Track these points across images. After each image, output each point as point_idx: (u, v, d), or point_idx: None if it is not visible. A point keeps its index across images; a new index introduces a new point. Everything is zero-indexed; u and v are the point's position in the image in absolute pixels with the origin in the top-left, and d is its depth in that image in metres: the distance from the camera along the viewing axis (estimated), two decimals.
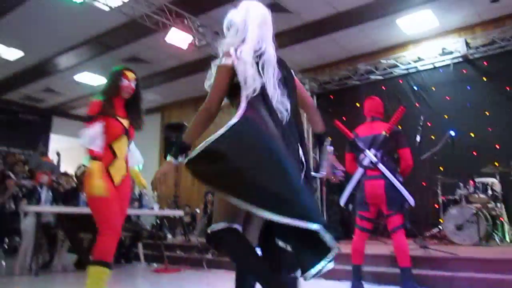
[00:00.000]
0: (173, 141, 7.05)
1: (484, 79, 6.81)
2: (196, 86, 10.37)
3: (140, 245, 5.99)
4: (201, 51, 7.37)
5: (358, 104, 6.72)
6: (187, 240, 6.83)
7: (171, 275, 4.94)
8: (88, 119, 2.63)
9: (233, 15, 2.14)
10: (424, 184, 6.15)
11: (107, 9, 6.05)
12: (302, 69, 8.93)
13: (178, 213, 6.85)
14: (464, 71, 7.05)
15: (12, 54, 8.42)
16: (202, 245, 6.05)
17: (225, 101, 2.12)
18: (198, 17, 6.66)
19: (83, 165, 6.56)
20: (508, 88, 6.51)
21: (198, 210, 9.50)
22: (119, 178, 2.68)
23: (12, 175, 6.11)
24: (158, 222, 6.27)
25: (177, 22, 6.36)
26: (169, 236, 7.95)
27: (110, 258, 2.47)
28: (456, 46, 6.97)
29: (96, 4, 5.85)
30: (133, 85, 2.75)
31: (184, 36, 6.45)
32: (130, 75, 2.79)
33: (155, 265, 5.71)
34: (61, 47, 8.12)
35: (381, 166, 3.58)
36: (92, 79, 9.69)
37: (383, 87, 7.79)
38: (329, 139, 2.33)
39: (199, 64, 8.65)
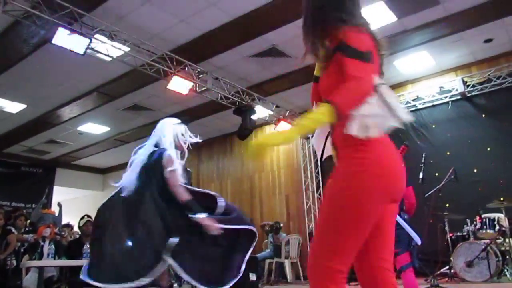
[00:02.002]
0: None
1: (483, 115, 6.91)
2: (198, 131, 10.44)
3: None
4: (202, 97, 7.51)
5: None
6: None
7: None
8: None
9: None
10: (431, 222, 6.07)
11: (108, 59, 6.23)
12: (302, 111, 9.04)
13: None
14: (463, 109, 7.15)
15: (15, 107, 8.55)
16: None
17: None
18: (198, 64, 6.84)
19: (86, 216, 6.53)
20: (505, 124, 6.57)
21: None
22: None
23: (14, 230, 6.06)
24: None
25: (178, 69, 6.53)
26: (176, 285, 7.75)
27: None
28: (453, 84, 7.12)
29: (98, 55, 6.03)
30: None
31: (185, 83, 6.60)
32: None
33: None
34: (63, 98, 8.28)
35: None
36: (96, 128, 9.82)
37: None
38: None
39: (200, 109, 8.82)
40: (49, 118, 9.21)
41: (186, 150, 3.21)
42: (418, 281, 3.79)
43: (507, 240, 5.37)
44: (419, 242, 3.45)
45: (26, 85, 7.60)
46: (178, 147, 3.17)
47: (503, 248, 5.35)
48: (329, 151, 1.74)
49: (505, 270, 5.25)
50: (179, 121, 3.31)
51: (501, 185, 6.31)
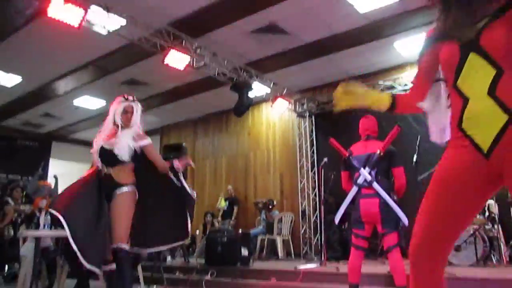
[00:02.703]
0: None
1: None
2: (195, 108, 10.51)
3: (139, 268, 5.94)
4: (199, 72, 7.47)
5: (355, 125, 6.79)
6: (186, 262, 6.78)
7: None
8: None
9: None
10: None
11: (105, 33, 6.15)
12: (300, 90, 9.04)
13: None
14: None
15: (10, 80, 8.47)
16: (201, 267, 6.02)
17: None
18: (195, 39, 6.78)
19: None
20: None
21: (197, 232, 9.46)
22: None
23: (10, 201, 6.11)
24: None
25: (175, 44, 6.47)
26: (169, 258, 7.90)
27: None
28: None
29: (94, 28, 5.96)
30: None
31: (182, 57, 6.55)
32: None
33: (154, 287, 5.66)
34: (59, 71, 8.22)
35: (375, 185, 3.61)
36: (91, 103, 9.78)
37: None
38: None
39: (197, 85, 8.78)
40: (45, 92, 9.15)
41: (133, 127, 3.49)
42: (406, 261, 3.87)
43: (495, 226, 5.47)
44: (406, 222, 3.55)
45: (21, 57, 7.51)
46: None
47: (491, 234, 5.45)
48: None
49: (492, 256, 5.37)
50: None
51: None
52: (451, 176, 1.47)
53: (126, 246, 3.18)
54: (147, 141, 3.46)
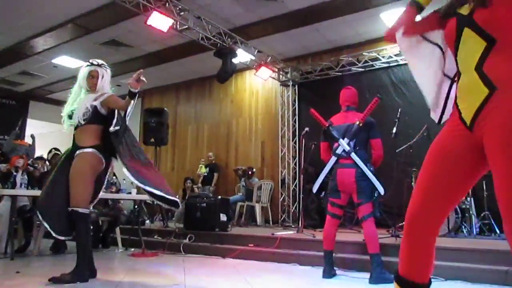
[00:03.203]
0: (153, 126, 7.02)
1: None
2: (178, 72, 10.35)
3: (117, 230, 5.98)
4: (182, 36, 7.31)
5: (337, 95, 6.82)
6: (165, 226, 6.85)
7: (148, 259, 4.96)
8: None
9: None
10: (398, 177, 6.29)
11: None
12: (284, 58, 8.97)
13: None
14: None
15: None
16: (179, 231, 6.09)
17: None
18: (180, 1, 6.59)
19: (54, 149, 6.52)
20: None
21: (177, 197, 9.50)
22: None
23: None
24: (137, 207, 6.26)
25: (158, 5, 6.28)
26: (147, 221, 7.96)
27: None
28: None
29: None
30: None
31: (165, 20, 6.38)
32: None
33: (132, 249, 5.72)
34: (38, 28, 7.94)
35: (353, 155, 3.68)
36: (71, 62, 9.51)
37: (364, 79, 7.90)
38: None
39: (180, 49, 8.61)
40: (22, 49, 8.87)
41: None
42: (380, 231, 4.00)
43: (468, 198, 5.65)
44: (382, 192, 3.64)
45: None
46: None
47: (463, 206, 5.63)
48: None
49: (463, 227, 5.57)
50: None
51: None
52: (444, 149, 1.53)
53: (81, 209, 3.16)
54: (106, 94, 3.40)
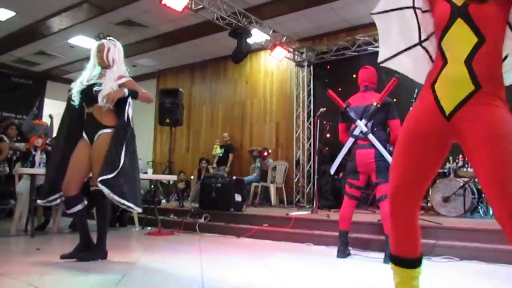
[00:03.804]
0: (168, 107, 7.05)
1: None
2: (192, 52, 10.32)
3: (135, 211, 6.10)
4: (197, 16, 7.26)
5: (355, 75, 6.73)
6: (180, 205, 6.94)
7: (164, 238, 5.05)
8: None
9: None
10: None
11: None
12: (299, 38, 8.86)
13: (172, 178, 6.92)
14: None
15: (3, 13, 8.21)
16: (195, 210, 6.16)
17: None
18: None
19: None
20: None
21: (192, 177, 9.61)
22: None
23: (6, 139, 6.11)
24: (153, 187, 6.35)
25: None
26: (163, 201, 8.07)
27: None
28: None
29: None
30: None
31: None
32: None
33: (149, 228, 5.82)
34: (54, 8, 7.97)
35: (371, 136, 3.64)
36: (87, 42, 9.54)
37: None
38: None
39: (195, 29, 8.57)
40: (39, 28, 8.92)
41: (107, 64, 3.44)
42: None
43: None
44: None
45: None
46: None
47: (480, 187, 5.57)
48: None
49: (479, 207, 5.52)
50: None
51: None
52: (416, 132, 1.60)
53: (105, 189, 3.13)
54: (125, 78, 3.40)
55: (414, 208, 1.64)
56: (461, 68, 1.47)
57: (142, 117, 11.60)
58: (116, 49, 3.46)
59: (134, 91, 3.32)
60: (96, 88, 3.27)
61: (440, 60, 1.56)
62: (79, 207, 3.27)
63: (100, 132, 3.28)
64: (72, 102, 3.39)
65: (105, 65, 3.41)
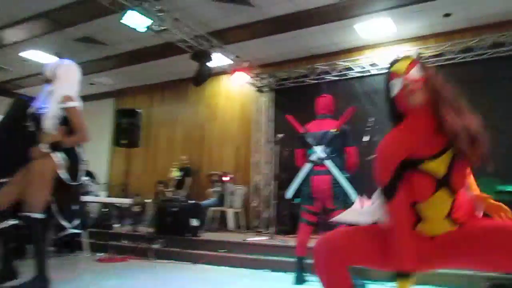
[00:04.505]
0: (125, 127, 6.88)
1: None
2: (152, 73, 10.19)
3: (84, 234, 5.80)
4: (158, 37, 7.21)
5: (313, 103, 6.89)
6: (135, 230, 6.70)
7: (116, 265, 4.83)
8: None
9: None
10: (368, 185, 6.37)
11: None
12: (261, 64, 8.98)
13: (126, 201, 6.69)
14: None
15: None
16: (150, 235, 5.96)
17: None
18: (158, 1, 6.51)
19: None
20: None
21: (148, 200, 9.34)
22: None
23: None
24: (106, 210, 6.10)
25: (136, 4, 6.17)
26: (117, 225, 7.76)
27: None
28: (409, 54, 7.24)
29: None
30: None
31: (142, 19, 6.27)
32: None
33: (99, 254, 5.56)
34: (8, 19, 7.66)
35: (328, 162, 3.70)
36: (42, 57, 9.22)
37: (338, 88, 7.99)
38: None
39: (156, 50, 8.49)
40: None
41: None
42: None
43: None
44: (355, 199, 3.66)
45: None
46: None
47: None
48: None
49: None
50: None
51: None
52: None
53: (36, 215, 2.96)
54: (71, 103, 3.20)
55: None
56: (442, 222, 1.64)
57: (97, 137, 11.27)
58: (65, 67, 3.35)
59: (58, 147, 3.12)
60: (40, 110, 3.14)
61: (416, 217, 1.67)
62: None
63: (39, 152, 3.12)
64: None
65: (48, 79, 3.29)
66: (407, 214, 1.64)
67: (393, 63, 1.78)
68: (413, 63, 1.72)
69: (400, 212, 1.62)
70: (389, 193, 1.64)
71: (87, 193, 6.23)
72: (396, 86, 1.70)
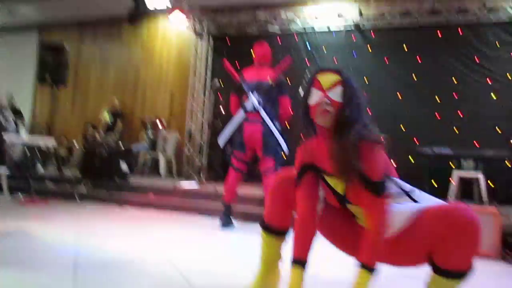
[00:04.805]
0: (49, 64, 6.38)
1: (369, 49, 7.34)
2: (83, 6, 9.42)
3: (2, 175, 5.47)
4: None
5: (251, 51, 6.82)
6: (59, 173, 6.43)
7: (39, 207, 4.65)
8: None
9: None
10: (302, 136, 6.57)
11: None
12: (201, 8, 8.62)
13: (49, 142, 6.32)
14: (354, 39, 7.48)
15: None
16: (75, 178, 5.77)
17: None
18: None
19: None
20: (386, 59, 7.11)
21: (75, 142, 8.95)
22: None
23: None
24: (28, 152, 5.74)
25: None
26: (40, 168, 7.40)
27: None
28: (351, 13, 7.32)
29: None
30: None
31: None
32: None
33: (21, 196, 5.30)
34: None
35: (262, 112, 3.73)
36: None
37: (279, 41, 7.95)
38: None
39: None
40: None
41: None
42: None
43: None
44: (286, 149, 3.77)
45: None
46: None
47: None
48: None
49: None
50: None
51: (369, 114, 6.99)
52: None
53: None
54: None
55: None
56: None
57: (19, 72, 10.40)
58: None
59: None
60: None
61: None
62: None
63: None
64: None
65: None
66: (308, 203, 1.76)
67: (322, 71, 1.75)
68: (339, 82, 1.68)
69: (300, 201, 1.76)
70: (297, 182, 1.80)
71: (5, 130, 5.79)
72: (314, 97, 1.69)
